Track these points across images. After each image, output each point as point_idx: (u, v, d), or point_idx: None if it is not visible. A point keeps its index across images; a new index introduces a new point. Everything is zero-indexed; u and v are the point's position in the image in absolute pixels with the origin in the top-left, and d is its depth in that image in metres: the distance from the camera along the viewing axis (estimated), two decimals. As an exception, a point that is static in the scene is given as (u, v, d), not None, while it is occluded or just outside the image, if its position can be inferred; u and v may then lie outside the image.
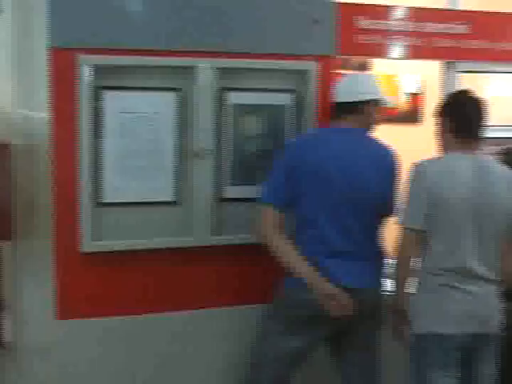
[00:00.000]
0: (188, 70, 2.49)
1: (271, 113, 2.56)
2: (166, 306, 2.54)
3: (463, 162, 2.17)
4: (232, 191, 2.55)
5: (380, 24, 2.73)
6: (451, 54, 2.84)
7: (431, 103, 2.74)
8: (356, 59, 3.85)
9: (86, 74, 2.41)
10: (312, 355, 2.42)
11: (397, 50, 2.77)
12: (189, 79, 2.49)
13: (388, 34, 2.75)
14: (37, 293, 3.01)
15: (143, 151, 2.45)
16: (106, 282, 2.48)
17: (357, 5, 2.70)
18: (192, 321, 2.57)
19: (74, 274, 2.44)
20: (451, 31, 2.82)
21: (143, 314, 2.51)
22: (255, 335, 2.42)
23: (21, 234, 4.01)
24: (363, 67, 3.90)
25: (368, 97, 2.34)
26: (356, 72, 3.41)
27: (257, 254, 2.45)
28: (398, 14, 2.79)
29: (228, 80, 2.51)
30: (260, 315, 2.44)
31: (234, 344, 2.59)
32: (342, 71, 2.70)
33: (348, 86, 2.38)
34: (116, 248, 2.44)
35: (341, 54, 2.66)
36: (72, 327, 2.45)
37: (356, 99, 2.33)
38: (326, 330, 2.32)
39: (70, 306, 2.46)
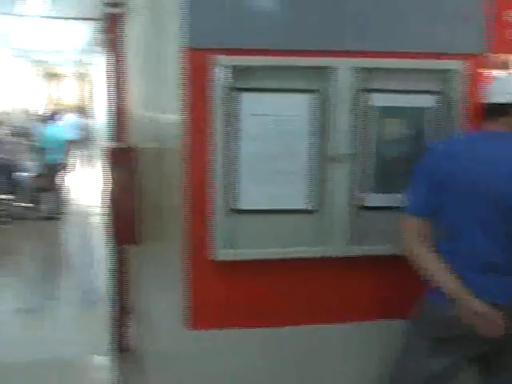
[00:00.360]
0: (325, 71, 2.51)
1: (414, 115, 2.54)
2: (297, 318, 2.57)
3: None
4: (372, 199, 2.56)
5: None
6: None
7: None
8: (499, 57, 3.70)
9: (222, 75, 2.46)
10: (457, 376, 2.38)
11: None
12: (326, 80, 2.49)
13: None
14: (164, 300, 3.11)
15: (277, 155, 2.50)
16: (236, 292, 2.53)
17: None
18: (325, 334, 2.59)
19: (204, 283, 2.50)
20: None
21: (273, 326, 2.55)
22: (393, 353, 2.41)
23: (148, 238, 4.21)
24: (506, 66, 3.77)
25: None
26: (501, 71, 3.27)
27: (397, 266, 2.44)
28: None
29: (367, 81, 2.51)
30: (399, 331, 2.42)
31: (370, 360, 2.59)
32: (486, 70, 2.65)
33: (499, 87, 2.37)
34: (249, 257, 2.49)
35: (491, 51, 2.61)
36: (200, 337, 2.50)
37: (507, 100, 2.30)
38: (473, 351, 2.30)
39: (199, 315, 2.51)
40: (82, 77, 33.20)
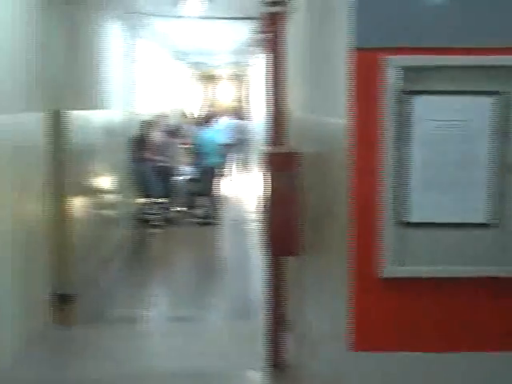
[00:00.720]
0: (509, 70, 2.41)
1: None
2: (467, 343, 2.49)
3: None
4: None
5: None
6: None
7: None
8: None
9: (393, 76, 2.43)
10: None
11: None
12: (510, 81, 2.42)
13: None
14: (324, 316, 3.11)
15: (453, 164, 2.43)
16: (404, 313, 2.48)
17: None
18: (499, 363, 2.49)
19: (369, 301, 2.48)
20: None
21: (441, 352, 2.48)
22: None
23: (308, 249, 4.23)
24: None
25: None
26: None
27: None
28: None
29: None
30: None
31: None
32: None
33: None
34: (420, 275, 2.44)
35: None
36: (362, 359, 2.48)
37: None
38: None
39: (362, 335, 2.49)
40: (238, 78, 34.17)
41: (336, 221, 2.79)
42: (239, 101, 34.67)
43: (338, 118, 2.65)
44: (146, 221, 11.88)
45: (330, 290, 2.97)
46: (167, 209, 12.28)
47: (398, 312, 2.48)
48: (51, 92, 6.89)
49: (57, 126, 7.13)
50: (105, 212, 9.49)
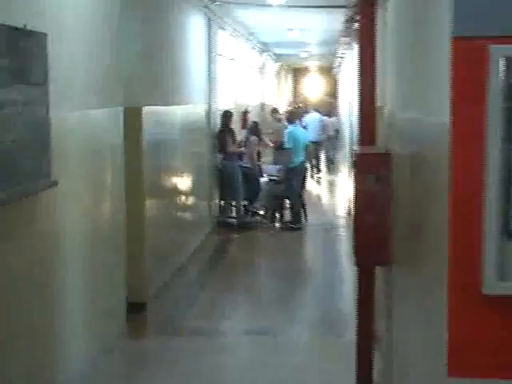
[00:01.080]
0: None
1: None
2: None
3: None
4: None
5: None
6: None
7: None
8: None
9: (501, 68, 2.32)
10: None
11: None
12: None
13: None
14: (418, 335, 3.01)
15: None
16: (509, 334, 2.38)
17: None
18: None
19: (471, 320, 2.38)
20: None
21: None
22: None
23: (402, 260, 4.16)
24: None
25: None
26: None
27: None
28: None
29: None
30: None
31: None
32: None
33: None
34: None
35: None
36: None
37: None
38: None
39: (461, 359, 2.39)
40: (327, 72, 34.17)
41: (433, 228, 2.69)
42: (328, 96, 34.71)
43: (438, 115, 2.55)
44: (227, 224, 11.99)
45: (425, 305, 2.88)
46: (249, 212, 12.38)
47: (502, 333, 2.37)
48: (128, 88, 7.04)
49: (134, 122, 7.29)
50: (182, 214, 9.63)
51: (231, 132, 12.23)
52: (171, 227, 8.94)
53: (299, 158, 12.15)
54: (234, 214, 12.17)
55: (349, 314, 6.92)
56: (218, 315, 7.54)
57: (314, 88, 38.79)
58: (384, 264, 4.74)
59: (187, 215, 10.00)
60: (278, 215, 12.31)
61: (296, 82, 40.33)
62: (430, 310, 2.69)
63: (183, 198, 9.69)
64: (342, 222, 12.71)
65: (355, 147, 5.32)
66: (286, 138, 12.18)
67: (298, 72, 39.56)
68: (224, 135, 11.98)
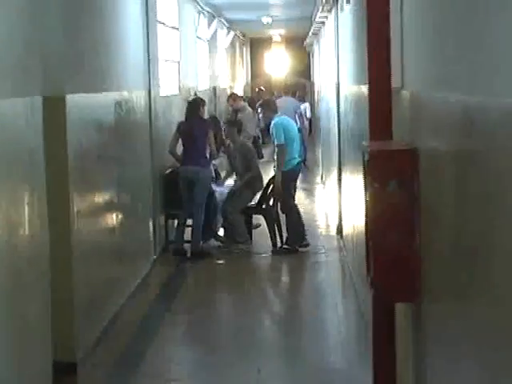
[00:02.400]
0: None
1: None
2: None
3: None
4: None
5: None
6: None
7: None
8: None
9: None
10: None
11: None
12: None
13: None
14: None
15: None
16: None
17: None
18: None
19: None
20: None
21: None
22: None
23: (433, 292, 4.13)
24: None
25: None
26: None
27: None
28: None
29: None
30: None
31: None
32: None
33: None
34: None
35: None
36: None
37: None
38: None
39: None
40: (296, 44, 34.40)
41: (501, 252, 2.67)
42: (298, 75, 34.89)
43: (485, 94, 2.56)
44: (177, 251, 11.96)
45: (486, 361, 2.86)
46: (209, 233, 12.39)
47: None
48: (47, 69, 6.96)
49: (56, 116, 7.22)
50: (119, 240, 9.55)
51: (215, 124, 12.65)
52: (106, 258, 8.86)
53: (295, 156, 12.24)
54: (182, 237, 12.13)
55: (363, 360, 6.94)
56: (170, 378, 7.50)
57: (278, 65, 39.02)
58: (411, 299, 4.72)
59: (125, 240, 9.92)
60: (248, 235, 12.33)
61: (255, 57, 40.51)
62: (498, 370, 2.65)
63: (119, 217, 9.62)
64: (330, 243, 12.77)
65: (366, 142, 5.31)
66: (273, 133, 12.22)
67: (257, 44, 39.75)
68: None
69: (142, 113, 11.31)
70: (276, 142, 12.16)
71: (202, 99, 12.90)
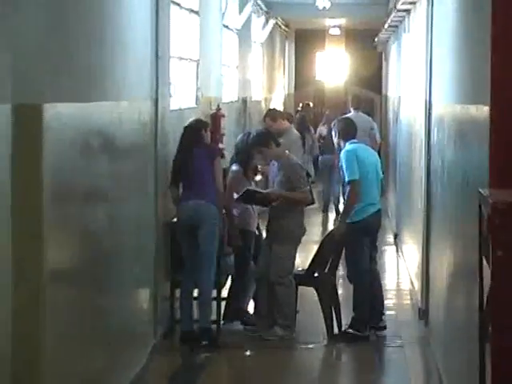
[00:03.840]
0: None
1: None
2: None
3: None
4: None
5: None
6: None
7: None
8: None
9: None
10: None
11: None
12: None
13: None
14: None
15: None
16: None
17: None
18: None
19: None
20: None
21: None
22: None
23: None
24: None
25: None
26: None
27: None
28: None
29: None
30: None
31: None
32: None
33: None
34: None
35: None
36: None
37: None
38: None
39: None
40: (363, 41, 34.47)
41: None
42: (364, 86, 34.90)
43: None
44: (188, 335, 11.92)
45: None
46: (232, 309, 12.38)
47: None
48: (18, 72, 7.02)
49: (28, 129, 7.24)
50: (104, 318, 9.55)
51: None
52: (85, 344, 8.84)
53: (372, 202, 12.42)
54: (191, 313, 12.10)
55: None
56: None
57: (335, 70, 39.16)
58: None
59: (114, 319, 9.92)
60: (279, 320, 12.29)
61: (302, 57, 40.59)
62: None
63: (108, 285, 9.62)
64: (409, 331, 12.70)
65: (485, 191, 5.31)
66: (343, 166, 12.22)
67: (306, 39, 39.87)
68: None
69: (146, 133, 11.33)
70: (347, 178, 12.22)
71: (204, 122, 13.03)
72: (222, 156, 13.45)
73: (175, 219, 12.31)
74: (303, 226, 12.41)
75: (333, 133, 13.63)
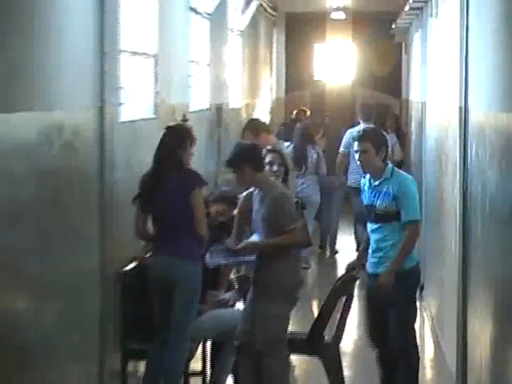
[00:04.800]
0: None
1: None
2: None
3: None
4: None
5: None
6: None
7: None
8: None
9: None
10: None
11: None
12: None
13: None
14: None
15: None
16: None
17: None
18: None
19: None
20: None
21: None
22: None
23: None
24: None
25: None
26: None
27: None
28: None
29: None
30: None
31: None
32: None
33: None
34: None
35: None
36: None
37: None
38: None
39: None
40: (376, 30, 34.58)
41: None
42: (378, 87, 35.01)
43: None
44: None
45: None
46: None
47: None
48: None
49: None
50: None
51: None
52: None
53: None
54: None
55: None
56: None
57: (339, 67, 39.17)
58: None
59: None
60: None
61: (295, 50, 40.56)
62: None
63: (32, 360, 9.54)
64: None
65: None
66: (406, 201, 12.19)
67: (300, 25, 39.87)
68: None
69: (88, 153, 11.24)
70: (408, 217, 12.24)
71: (186, 129, 12.70)
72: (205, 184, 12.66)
73: (129, 267, 12.23)
74: (299, 275, 12.35)
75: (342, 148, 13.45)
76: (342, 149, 21.51)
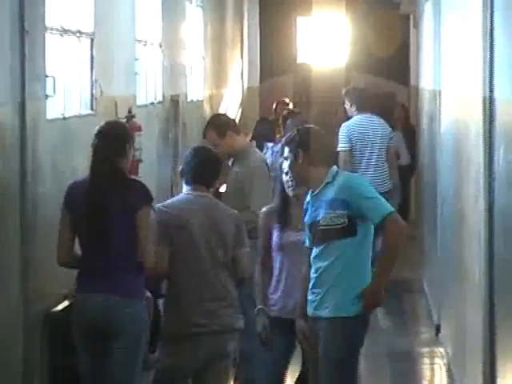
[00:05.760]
0: None
1: None
2: None
3: None
4: None
5: None
6: None
7: None
8: None
9: None
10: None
11: None
12: None
13: None
14: None
15: None
16: None
17: None
18: None
19: None
20: None
21: None
22: None
23: None
24: None
25: None
26: None
27: None
28: None
29: None
30: None
31: None
32: None
33: None
34: None
35: None
36: None
37: None
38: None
39: None
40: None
41: None
42: (386, 69, 35.24)
43: None
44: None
45: None
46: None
47: None
48: None
49: None
50: None
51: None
52: None
53: None
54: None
55: None
56: None
57: (329, 47, 39.32)
58: None
59: None
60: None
61: (272, 26, 40.68)
62: None
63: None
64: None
65: None
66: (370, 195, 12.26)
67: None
68: None
69: (6, 158, 11.27)
70: (381, 214, 11.99)
71: (124, 126, 12.35)
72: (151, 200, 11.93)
73: (59, 306, 12.23)
74: None
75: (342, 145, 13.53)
76: (341, 146, 21.16)
